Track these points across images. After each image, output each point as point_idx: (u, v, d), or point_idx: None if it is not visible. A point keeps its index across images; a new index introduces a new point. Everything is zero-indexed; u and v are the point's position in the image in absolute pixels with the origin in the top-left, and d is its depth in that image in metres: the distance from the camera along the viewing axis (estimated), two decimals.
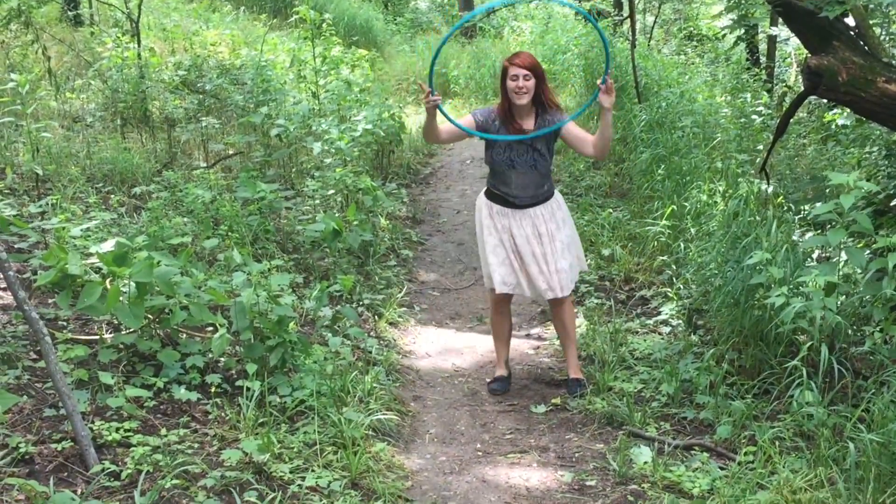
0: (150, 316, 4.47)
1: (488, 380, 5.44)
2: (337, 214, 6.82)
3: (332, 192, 7.42)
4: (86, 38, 11.30)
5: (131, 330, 4.46)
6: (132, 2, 10.06)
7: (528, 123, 5.00)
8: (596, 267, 7.00)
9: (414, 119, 12.26)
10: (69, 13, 12.26)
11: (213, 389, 4.33)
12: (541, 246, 5.06)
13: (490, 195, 5.15)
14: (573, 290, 5.35)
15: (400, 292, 6.69)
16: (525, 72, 4.90)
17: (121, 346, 4.46)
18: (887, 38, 5.86)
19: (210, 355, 4.59)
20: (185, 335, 4.72)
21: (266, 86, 8.73)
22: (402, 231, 8.12)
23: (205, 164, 8.19)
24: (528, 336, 6.27)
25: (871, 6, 4.83)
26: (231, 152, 8.63)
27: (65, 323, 4.75)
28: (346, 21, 17.73)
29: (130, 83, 9.12)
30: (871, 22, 5.45)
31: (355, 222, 6.55)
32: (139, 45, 9.46)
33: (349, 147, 7.58)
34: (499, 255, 5.10)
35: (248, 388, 4.24)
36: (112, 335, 4.55)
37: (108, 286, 4.24)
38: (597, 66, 12.08)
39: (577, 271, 5.29)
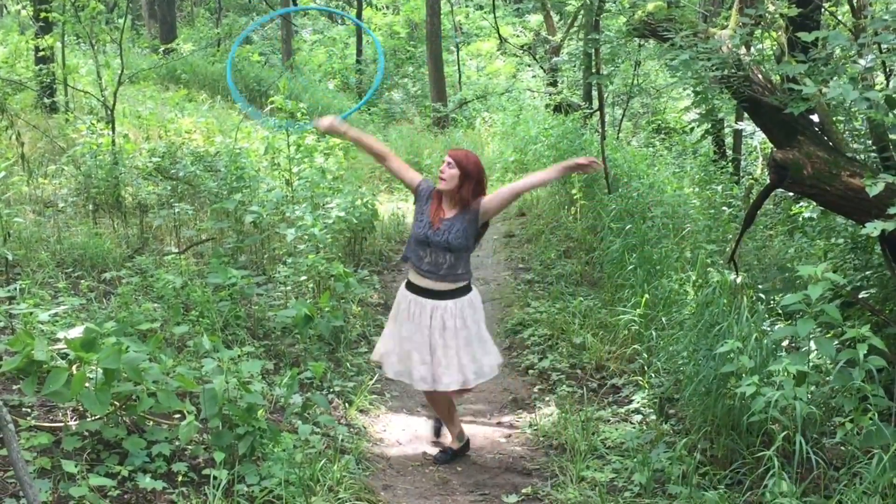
0: (116, 403, 4.40)
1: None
2: (309, 301, 6.80)
3: (304, 278, 7.41)
4: (60, 124, 11.36)
5: (97, 417, 4.39)
6: (108, 90, 10.15)
7: (452, 211, 5.24)
8: (567, 355, 7.01)
9: (387, 207, 12.34)
10: (44, 100, 12.34)
11: (179, 478, 4.25)
12: (442, 339, 5.22)
13: (409, 285, 5.38)
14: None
15: (371, 379, 6.64)
16: (450, 160, 5.19)
17: (86, 433, 4.37)
18: (850, 134, 6.01)
19: (177, 443, 4.51)
20: (151, 422, 4.65)
21: (240, 173, 8.77)
22: (373, 318, 8.10)
23: (176, 250, 8.17)
24: (499, 424, 6.21)
25: (834, 103, 4.97)
26: (203, 238, 8.63)
27: (29, 409, 4.67)
28: (321, 110, 17.99)
29: (104, 169, 9.14)
30: (834, 118, 5.60)
31: (327, 309, 6.53)
32: (114, 132, 9.50)
33: (322, 234, 7.60)
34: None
35: (215, 477, 4.16)
36: (77, 422, 4.47)
37: (75, 372, 4.18)
38: (568, 158, 12.26)
39: (470, 371, 5.32)
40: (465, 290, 5.30)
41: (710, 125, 11.35)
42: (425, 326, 5.23)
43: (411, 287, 5.35)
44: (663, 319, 6.60)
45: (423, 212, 5.27)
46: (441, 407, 5.52)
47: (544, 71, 19.99)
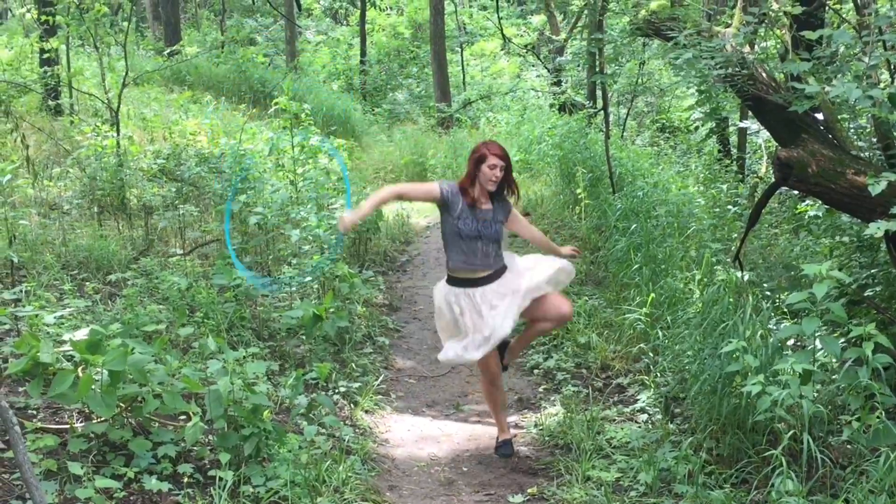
0: (122, 404, 4.41)
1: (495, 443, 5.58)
2: (314, 302, 6.81)
3: (308, 279, 7.41)
4: (65, 126, 11.38)
5: (103, 419, 4.39)
6: (112, 92, 10.17)
7: (487, 203, 5.33)
8: (573, 354, 7.01)
9: (391, 207, 12.34)
10: (49, 103, 12.36)
11: (185, 479, 4.25)
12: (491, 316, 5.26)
13: (451, 281, 5.35)
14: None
15: (376, 380, 6.64)
16: (503, 163, 5.24)
17: (91, 435, 4.38)
18: (854, 132, 6.00)
19: (183, 444, 4.51)
20: (157, 424, 4.65)
21: (244, 174, 8.78)
22: (378, 318, 8.10)
23: (181, 252, 8.18)
24: None
25: (839, 101, 4.96)
26: (208, 239, 8.64)
27: (35, 412, 4.67)
28: (325, 111, 18.00)
29: (109, 171, 9.15)
30: (838, 116, 5.59)
31: (332, 310, 6.54)
32: (118, 134, 9.51)
33: (327, 234, 7.60)
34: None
35: (220, 478, 4.16)
36: (83, 424, 4.48)
37: (81, 374, 4.19)
38: (572, 157, 12.27)
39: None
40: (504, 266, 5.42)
41: (714, 124, 11.36)
42: (477, 307, 5.27)
43: (460, 283, 5.32)
44: (668, 318, 6.59)
45: (462, 210, 5.28)
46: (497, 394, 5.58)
47: (548, 70, 19.99)
